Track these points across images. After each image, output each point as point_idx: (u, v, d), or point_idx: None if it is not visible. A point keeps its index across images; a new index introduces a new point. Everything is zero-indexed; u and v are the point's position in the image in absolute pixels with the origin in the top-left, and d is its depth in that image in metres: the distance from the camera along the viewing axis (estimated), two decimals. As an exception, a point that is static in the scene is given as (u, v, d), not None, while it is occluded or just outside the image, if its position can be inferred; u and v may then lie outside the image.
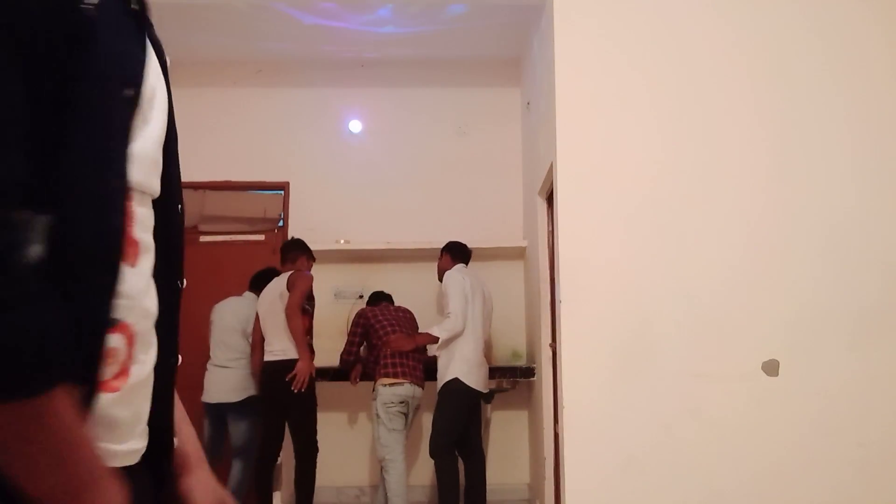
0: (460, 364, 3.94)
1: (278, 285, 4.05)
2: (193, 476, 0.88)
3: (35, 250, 0.57)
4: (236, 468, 4.22)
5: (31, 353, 0.56)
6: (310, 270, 4.23)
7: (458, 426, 3.96)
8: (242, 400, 4.22)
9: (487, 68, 5.16)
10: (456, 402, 3.94)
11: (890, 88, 3.22)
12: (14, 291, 0.55)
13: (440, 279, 4.19)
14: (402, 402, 3.93)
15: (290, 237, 4.60)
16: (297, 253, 4.18)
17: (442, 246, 4.33)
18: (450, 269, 4.17)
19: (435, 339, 3.96)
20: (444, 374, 3.95)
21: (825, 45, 3.25)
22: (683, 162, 3.19)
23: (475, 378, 3.99)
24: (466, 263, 4.29)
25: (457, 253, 4.28)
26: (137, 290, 0.72)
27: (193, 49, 4.87)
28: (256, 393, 4.19)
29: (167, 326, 0.79)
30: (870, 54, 3.23)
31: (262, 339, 4.06)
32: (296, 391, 3.83)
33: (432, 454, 3.97)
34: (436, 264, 4.35)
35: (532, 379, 4.40)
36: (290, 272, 4.07)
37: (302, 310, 3.94)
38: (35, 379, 0.57)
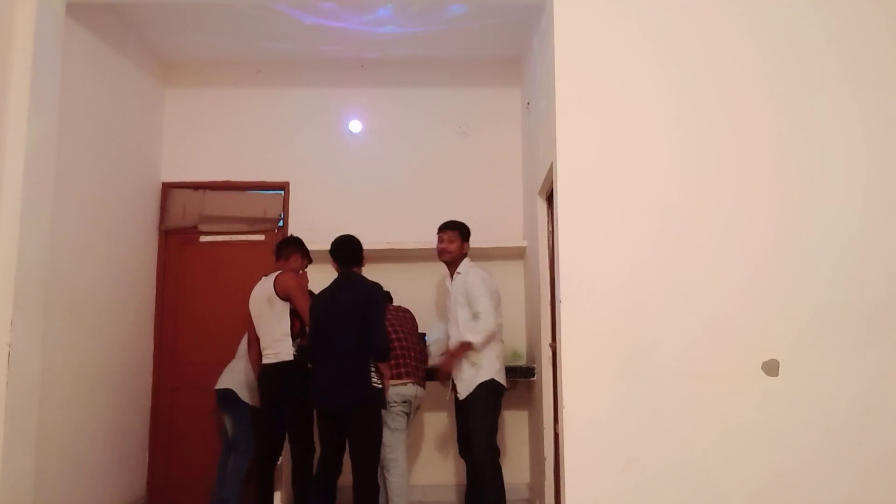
0: (494, 363, 3.88)
1: (266, 288, 4.00)
2: None
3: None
4: (230, 460, 4.28)
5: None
6: (304, 269, 4.20)
7: (496, 424, 3.93)
8: (221, 390, 4.25)
9: (487, 68, 5.16)
10: (495, 400, 3.89)
11: None
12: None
13: (446, 261, 4.05)
14: (404, 402, 3.92)
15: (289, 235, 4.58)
16: (292, 250, 4.14)
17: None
18: (463, 254, 4.06)
19: (470, 346, 3.83)
20: (477, 375, 3.84)
21: (832, 45, 3.24)
22: (684, 161, 3.19)
23: (504, 375, 3.97)
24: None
25: (468, 236, 4.14)
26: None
27: (193, 49, 4.87)
28: (231, 387, 4.21)
29: None
30: (881, 55, 3.23)
31: (257, 337, 4.05)
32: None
33: (483, 456, 3.81)
34: (435, 264, 4.33)
35: (532, 379, 4.41)
36: (276, 273, 4.03)
37: (292, 312, 3.94)
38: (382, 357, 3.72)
